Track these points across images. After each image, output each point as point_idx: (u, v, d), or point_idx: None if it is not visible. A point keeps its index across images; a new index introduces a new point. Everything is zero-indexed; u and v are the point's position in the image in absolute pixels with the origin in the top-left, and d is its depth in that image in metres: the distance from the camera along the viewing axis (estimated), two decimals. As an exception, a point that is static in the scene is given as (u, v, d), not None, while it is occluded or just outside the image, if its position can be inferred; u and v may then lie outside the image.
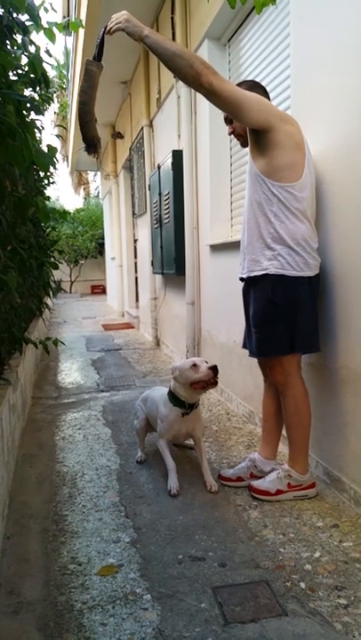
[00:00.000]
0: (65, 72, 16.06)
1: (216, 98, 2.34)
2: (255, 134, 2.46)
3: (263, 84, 2.88)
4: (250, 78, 3.57)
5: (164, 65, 2.38)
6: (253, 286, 2.61)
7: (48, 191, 5.76)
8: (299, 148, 2.45)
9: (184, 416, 2.88)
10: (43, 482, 2.97)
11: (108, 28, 2.43)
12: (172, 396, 2.90)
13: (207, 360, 2.81)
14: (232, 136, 2.80)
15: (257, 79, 3.49)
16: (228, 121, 2.73)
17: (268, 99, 2.67)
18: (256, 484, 2.70)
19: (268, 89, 2.77)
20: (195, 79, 2.30)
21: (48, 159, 2.28)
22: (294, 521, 2.45)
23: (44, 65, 3.02)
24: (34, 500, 2.76)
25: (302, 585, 1.98)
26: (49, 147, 2.38)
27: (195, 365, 2.76)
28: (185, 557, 2.17)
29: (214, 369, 2.72)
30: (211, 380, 2.72)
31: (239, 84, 2.58)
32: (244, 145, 2.73)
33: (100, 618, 1.83)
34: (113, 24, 2.41)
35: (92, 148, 2.56)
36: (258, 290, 2.58)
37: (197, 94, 4.68)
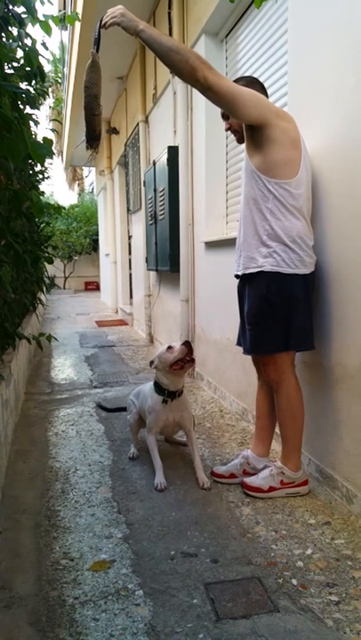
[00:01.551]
0: (60, 66, 16.00)
1: (212, 93, 2.33)
2: (251, 130, 2.45)
3: (260, 80, 2.87)
4: (247, 74, 3.56)
5: (160, 60, 2.37)
6: (248, 283, 2.61)
7: (42, 186, 5.74)
8: (295, 144, 2.45)
9: (168, 403, 2.91)
10: (35, 477, 2.96)
11: (103, 22, 2.41)
12: (157, 386, 2.95)
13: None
14: (229, 132, 2.79)
15: (254, 75, 3.47)
16: (224, 117, 2.73)
17: (266, 95, 2.67)
18: (249, 480, 2.71)
19: (265, 85, 2.76)
20: (190, 74, 2.29)
21: (44, 150, 2.27)
22: (286, 518, 2.46)
23: (40, 58, 3.00)
24: (26, 495, 2.75)
25: (294, 581, 1.98)
26: (44, 138, 2.37)
27: (170, 347, 2.85)
28: (177, 553, 2.17)
29: (187, 344, 2.79)
30: (187, 357, 2.79)
31: (237, 80, 2.57)
32: (240, 141, 2.72)
33: (91, 613, 1.83)
34: (108, 18, 2.39)
35: (95, 142, 2.54)
36: (253, 287, 2.58)
37: (194, 90, 4.67)
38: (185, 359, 2.80)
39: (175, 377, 2.88)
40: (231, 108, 2.38)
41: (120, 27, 2.38)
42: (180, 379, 2.92)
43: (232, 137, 2.82)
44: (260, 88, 2.63)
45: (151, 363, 2.95)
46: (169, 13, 5.14)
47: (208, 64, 2.29)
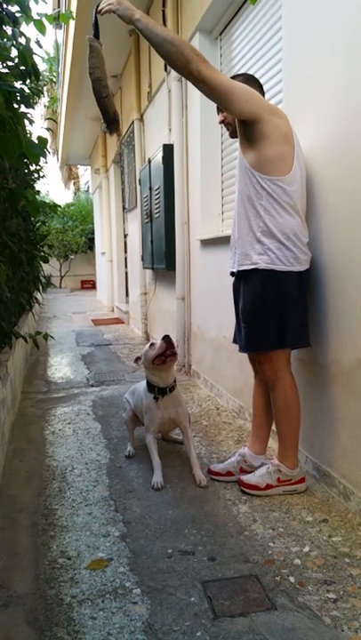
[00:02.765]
0: (55, 65, 15.99)
1: (205, 86, 2.32)
2: (243, 125, 2.45)
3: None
4: (242, 72, 3.56)
5: (155, 50, 2.36)
6: (243, 281, 2.60)
7: (38, 185, 5.73)
8: (287, 140, 2.44)
9: (160, 399, 2.92)
10: (32, 476, 2.96)
11: (99, 8, 2.41)
12: (148, 384, 2.98)
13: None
14: (224, 130, 2.79)
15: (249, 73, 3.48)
16: (219, 109, 2.72)
17: (263, 93, 2.67)
18: (246, 478, 2.71)
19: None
20: (184, 66, 2.29)
21: (38, 150, 2.27)
22: (284, 515, 2.46)
23: (34, 57, 3.00)
24: (23, 494, 2.75)
25: (292, 579, 1.98)
26: (39, 138, 2.37)
27: (152, 344, 2.90)
28: (174, 551, 2.18)
29: (166, 338, 2.83)
30: (167, 351, 2.82)
31: (235, 77, 2.57)
32: (233, 135, 2.71)
33: (89, 611, 1.83)
34: (104, 4, 2.39)
35: (113, 124, 2.53)
36: (248, 285, 2.58)
37: (188, 88, 4.68)
38: (166, 353, 2.82)
39: (162, 372, 2.90)
40: (224, 102, 2.38)
41: (116, 14, 2.38)
42: (168, 374, 2.93)
43: (227, 135, 2.81)
44: (258, 86, 2.63)
45: (137, 359, 2.99)
46: (163, 11, 5.13)
47: (202, 57, 2.29)
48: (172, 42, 2.28)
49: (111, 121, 2.52)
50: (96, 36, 2.46)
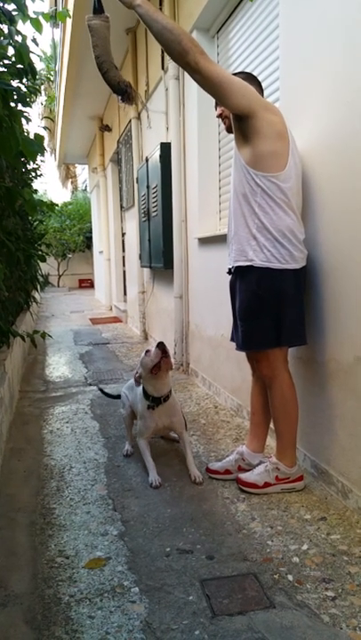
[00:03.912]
0: (52, 64, 15.97)
1: (201, 77, 2.32)
2: (238, 121, 2.44)
3: (252, 76, 2.86)
4: (239, 70, 3.56)
5: (154, 37, 2.36)
6: (240, 278, 2.60)
7: (35, 184, 5.73)
8: (281, 137, 2.44)
9: (154, 409, 2.92)
10: (30, 475, 2.96)
11: None
12: (144, 392, 2.96)
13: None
14: (221, 128, 2.78)
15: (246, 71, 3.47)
16: (217, 103, 2.72)
17: (262, 92, 2.66)
18: (244, 476, 2.71)
19: (257, 81, 2.75)
20: (181, 56, 2.29)
21: (36, 147, 2.26)
22: (282, 513, 2.46)
23: (31, 55, 2.99)
24: (21, 493, 2.74)
25: (290, 577, 1.98)
26: (36, 135, 2.36)
27: (147, 351, 2.88)
28: (173, 550, 2.17)
29: (160, 345, 2.81)
30: (162, 359, 2.80)
31: (235, 75, 2.56)
32: (228, 130, 2.70)
33: (87, 611, 1.82)
34: None
35: (124, 94, 2.52)
36: (244, 282, 2.57)
37: (186, 86, 4.67)
38: (160, 360, 2.81)
39: (157, 382, 2.89)
40: (219, 95, 2.37)
41: None
42: (163, 384, 2.91)
43: (224, 133, 2.81)
44: (258, 85, 2.63)
45: (138, 377, 2.95)
46: (160, 9, 5.12)
47: (200, 48, 2.29)
48: (170, 30, 2.28)
49: (120, 91, 2.51)
50: (100, 10, 2.45)
